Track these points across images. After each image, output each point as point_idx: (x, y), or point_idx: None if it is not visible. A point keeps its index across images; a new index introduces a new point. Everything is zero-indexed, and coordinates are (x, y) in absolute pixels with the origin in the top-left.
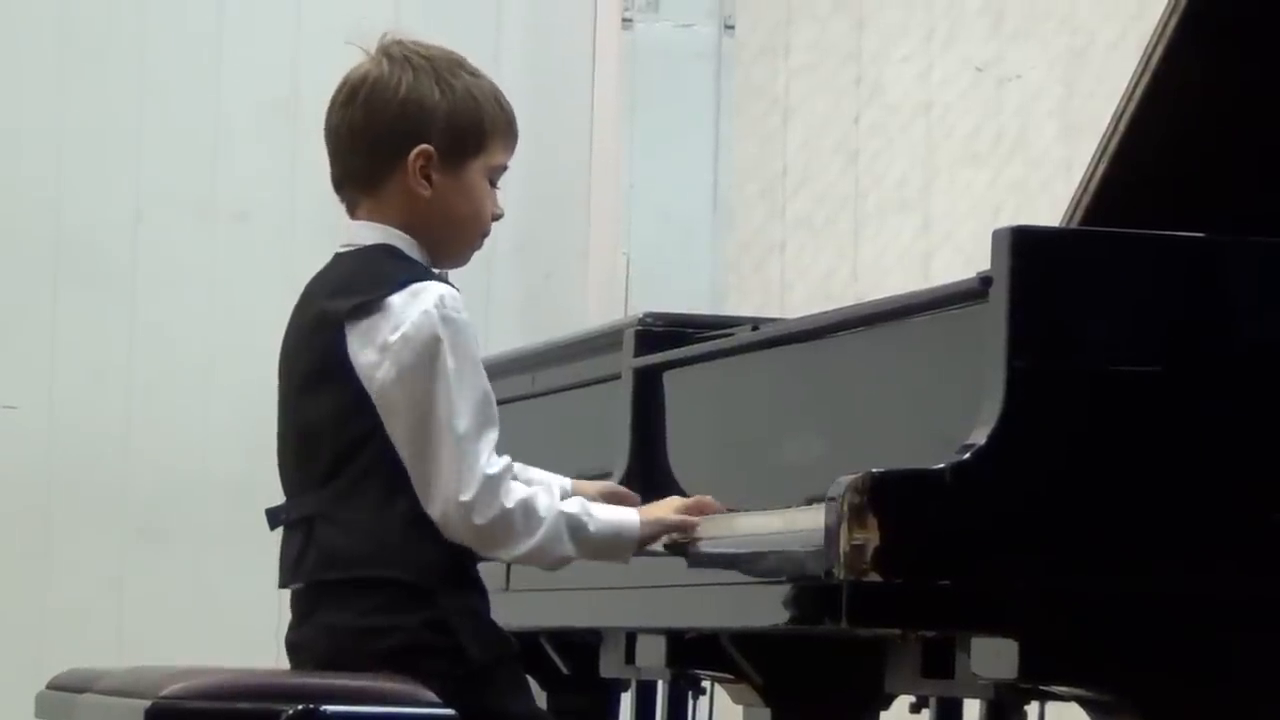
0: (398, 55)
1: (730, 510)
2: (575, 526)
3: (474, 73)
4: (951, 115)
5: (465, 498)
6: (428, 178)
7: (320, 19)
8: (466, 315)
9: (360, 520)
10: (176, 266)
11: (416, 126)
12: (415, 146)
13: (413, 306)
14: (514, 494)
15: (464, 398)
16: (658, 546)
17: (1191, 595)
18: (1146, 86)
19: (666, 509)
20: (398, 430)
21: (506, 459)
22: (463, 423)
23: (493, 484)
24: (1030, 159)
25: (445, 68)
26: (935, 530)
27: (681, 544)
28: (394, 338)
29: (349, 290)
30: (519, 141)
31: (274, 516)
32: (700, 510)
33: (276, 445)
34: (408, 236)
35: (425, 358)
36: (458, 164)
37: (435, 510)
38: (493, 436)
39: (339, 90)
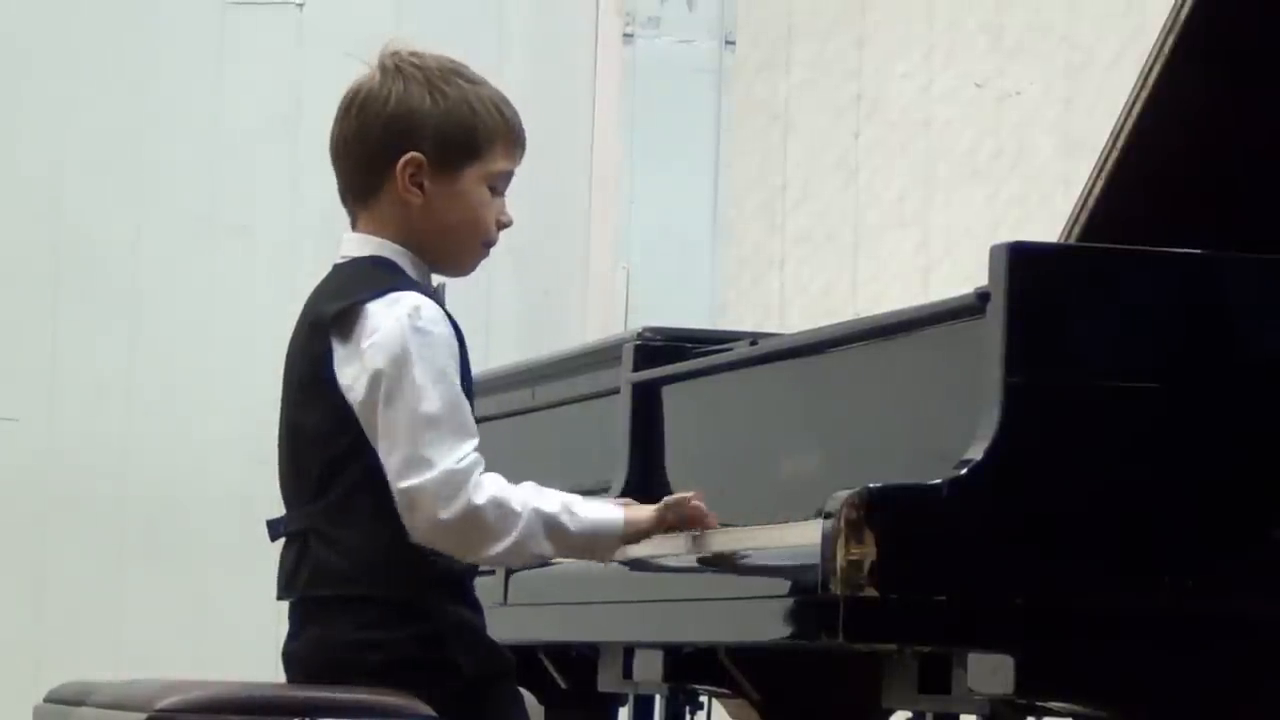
0: (390, 66)
1: (724, 522)
2: (553, 525)
3: (472, 80)
4: (951, 131)
5: (411, 483)
6: (419, 186)
7: (321, 34)
8: (444, 329)
9: (351, 538)
10: (177, 280)
11: (405, 136)
12: (403, 155)
13: (387, 315)
14: (485, 490)
15: (427, 399)
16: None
17: (1188, 611)
18: (1145, 103)
19: (652, 509)
20: (372, 439)
21: (477, 456)
22: (424, 419)
23: (456, 478)
24: (1029, 175)
25: (439, 75)
26: (932, 546)
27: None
28: (365, 345)
29: (336, 297)
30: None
31: (274, 528)
32: (680, 507)
33: (277, 455)
34: (401, 248)
35: (391, 366)
36: (451, 172)
37: (400, 510)
38: (465, 442)
39: (340, 103)
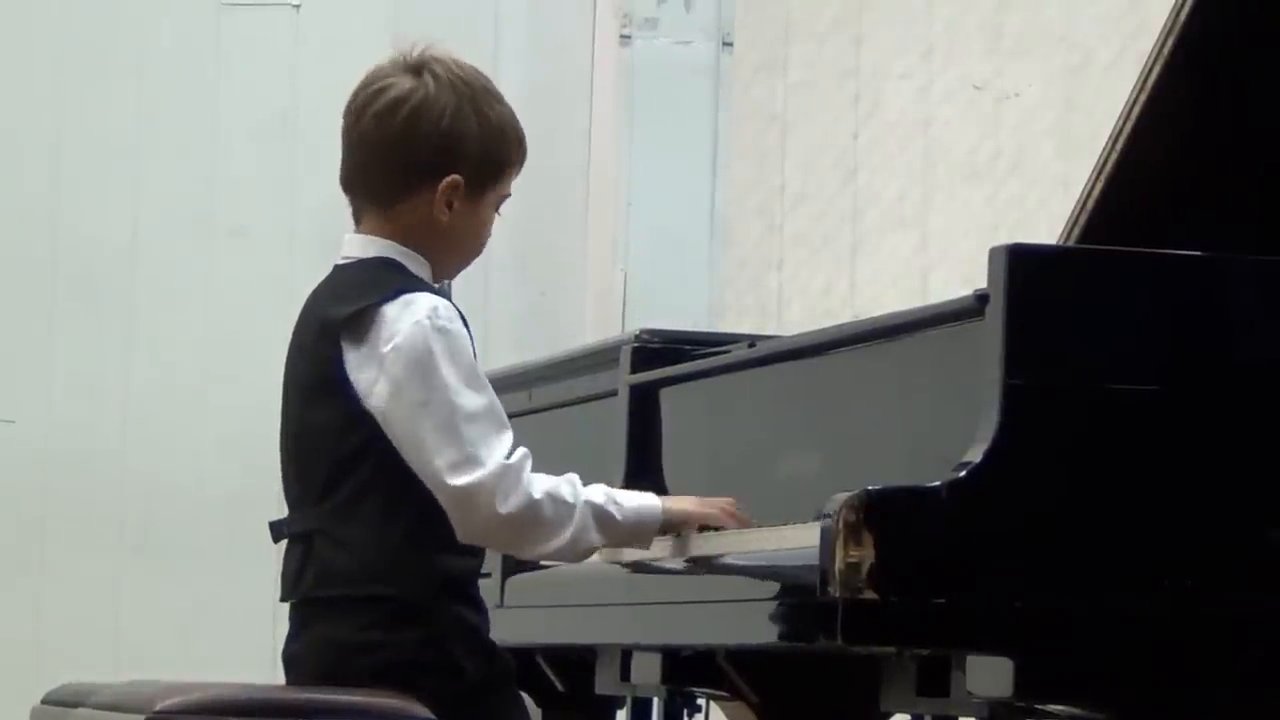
0: (444, 78)
1: (750, 518)
2: (602, 516)
3: (500, 99)
4: (950, 133)
5: (466, 480)
6: (449, 205)
7: (318, 35)
8: (462, 325)
9: (357, 538)
10: (174, 282)
11: (453, 157)
12: (447, 176)
13: (405, 317)
14: (539, 484)
15: (464, 398)
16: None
17: (1187, 613)
18: (1144, 105)
19: (691, 500)
20: (401, 443)
21: (525, 451)
22: (465, 416)
23: (513, 472)
24: (1028, 177)
25: (482, 97)
26: (931, 548)
27: (713, 527)
28: (386, 349)
29: (346, 298)
30: None
31: (277, 530)
32: (718, 503)
33: (280, 456)
34: (408, 250)
35: (418, 369)
36: (478, 194)
37: (452, 510)
38: (506, 434)
39: (374, 97)
